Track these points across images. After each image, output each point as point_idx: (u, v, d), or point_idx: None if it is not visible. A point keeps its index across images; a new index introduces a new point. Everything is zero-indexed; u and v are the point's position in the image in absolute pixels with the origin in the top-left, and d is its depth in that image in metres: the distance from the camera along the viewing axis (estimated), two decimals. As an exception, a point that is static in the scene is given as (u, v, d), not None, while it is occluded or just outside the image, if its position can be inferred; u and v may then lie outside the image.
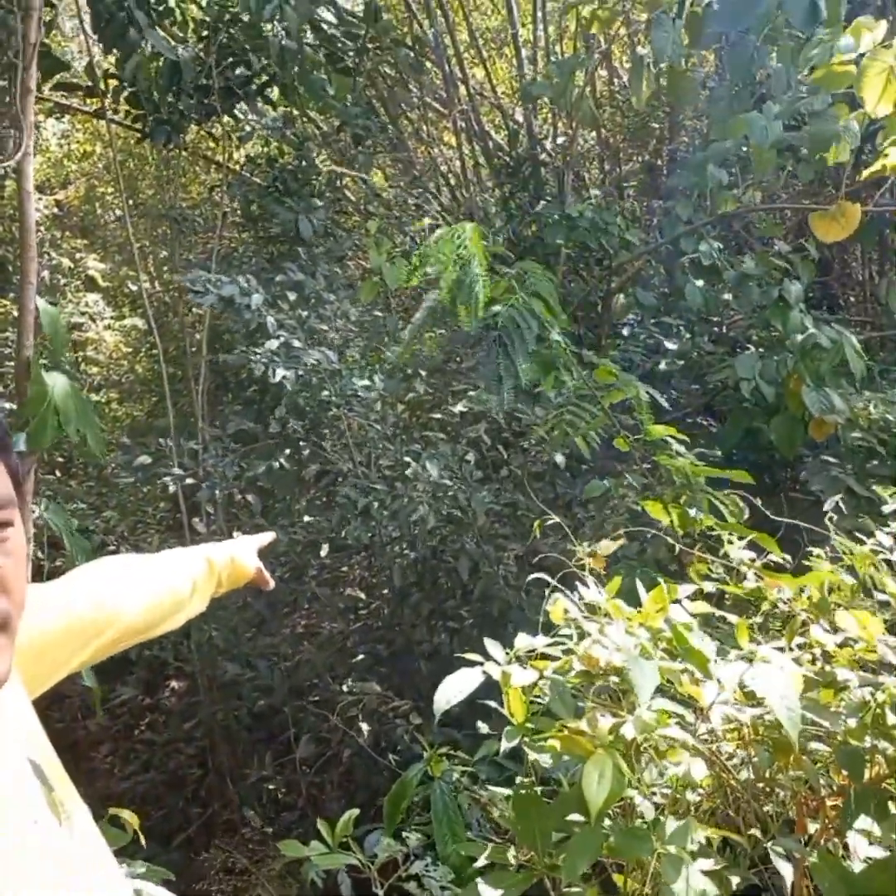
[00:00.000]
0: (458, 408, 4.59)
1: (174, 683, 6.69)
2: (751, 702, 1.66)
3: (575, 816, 1.56)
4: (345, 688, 4.74)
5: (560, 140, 8.20)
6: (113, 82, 5.96)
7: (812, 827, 1.76)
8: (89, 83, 6.17)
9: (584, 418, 3.09)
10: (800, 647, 1.81)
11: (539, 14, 8.36)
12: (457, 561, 4.70)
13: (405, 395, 4.78)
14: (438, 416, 4.84)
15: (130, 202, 8.73)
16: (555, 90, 5.08)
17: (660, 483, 3.02)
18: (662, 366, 5.48)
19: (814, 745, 1.68)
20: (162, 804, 5.79)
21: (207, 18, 6.12)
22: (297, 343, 4.25)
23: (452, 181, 9.16)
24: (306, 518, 4.96)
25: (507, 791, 2.05)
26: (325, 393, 4.53)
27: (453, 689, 1.75)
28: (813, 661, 1.77)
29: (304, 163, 6.74)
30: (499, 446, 4.69)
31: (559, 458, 4.33)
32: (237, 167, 8.51)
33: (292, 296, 4.73)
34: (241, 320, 4.11)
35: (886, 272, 5.82)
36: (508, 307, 2.93)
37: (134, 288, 9.62)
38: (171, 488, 5.42)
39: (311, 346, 4.38)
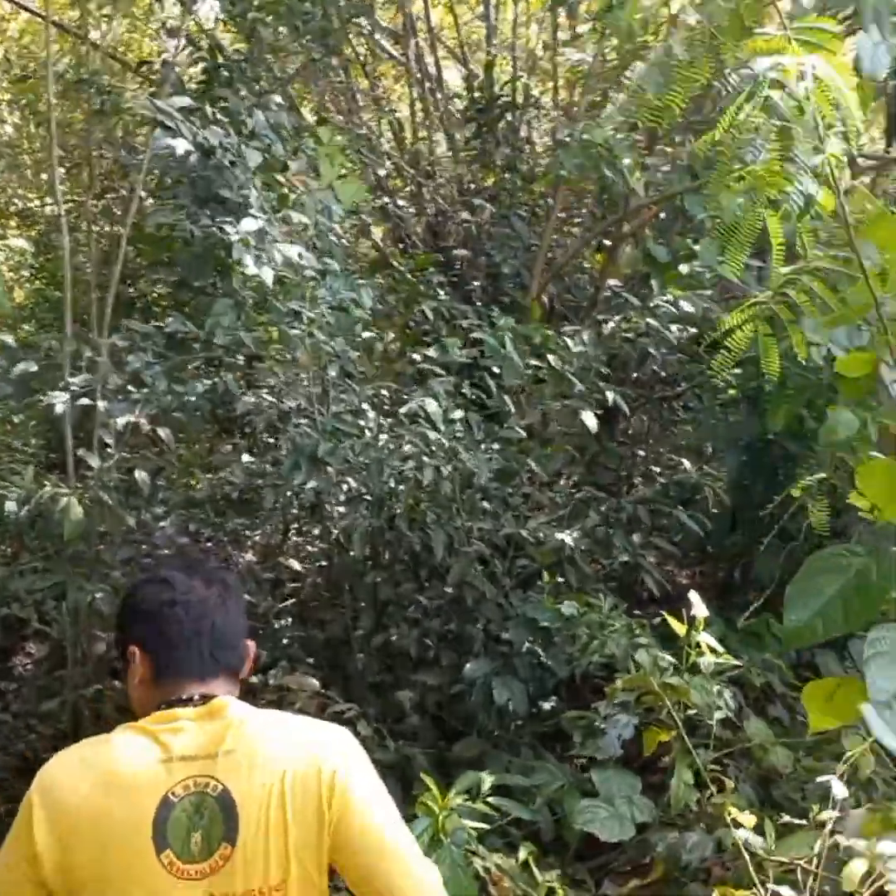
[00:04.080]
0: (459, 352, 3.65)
1: (32, 647, 5.57)
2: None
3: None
4: (272, 680, 3.74)
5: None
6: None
7: None
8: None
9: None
10: None
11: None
12: (432, 535, 3.77)
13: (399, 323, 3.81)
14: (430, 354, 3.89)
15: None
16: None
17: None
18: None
19: None
20: (7, 793, 4.66)
21: None
22: (274, 231, 3.25)
23: (397, 127, 8.17)
24: (245, 457, 3.93)
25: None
26: (295, 304, 3.53)
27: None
28: None
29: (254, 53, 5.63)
30: (504, 396, 3.77)
31: (591, 421, 3.42)
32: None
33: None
34: (217, 183, 3.08)
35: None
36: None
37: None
38: (59, 409, 4.32)
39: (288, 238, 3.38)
